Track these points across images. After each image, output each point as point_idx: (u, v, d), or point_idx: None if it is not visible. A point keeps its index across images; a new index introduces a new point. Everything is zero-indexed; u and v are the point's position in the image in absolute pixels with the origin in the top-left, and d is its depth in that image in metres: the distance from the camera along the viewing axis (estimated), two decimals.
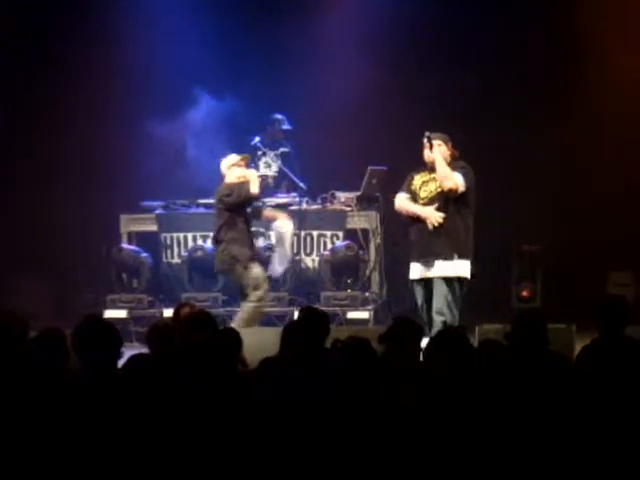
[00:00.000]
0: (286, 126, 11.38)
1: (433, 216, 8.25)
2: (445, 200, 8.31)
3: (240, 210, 9.37)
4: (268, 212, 10.19)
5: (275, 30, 11.62)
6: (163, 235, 11.20)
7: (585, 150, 11.62)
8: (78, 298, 11.53)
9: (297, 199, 11.06)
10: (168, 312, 9.73)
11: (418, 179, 8.49)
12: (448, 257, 8.23)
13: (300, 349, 5.47)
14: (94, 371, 4.68)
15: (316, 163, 11.23)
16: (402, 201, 8.49)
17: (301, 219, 10.92)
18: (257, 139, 11.41)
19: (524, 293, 11.31)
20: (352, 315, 10.33)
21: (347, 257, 10.68)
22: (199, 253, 10.89)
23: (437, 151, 8.34)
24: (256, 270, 9.31)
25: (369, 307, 10.43)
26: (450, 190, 8.24)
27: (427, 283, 8.32)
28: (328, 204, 11.09)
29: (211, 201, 11.19)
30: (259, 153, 11.41)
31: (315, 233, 11.03)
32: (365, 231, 10.98)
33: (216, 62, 11.43)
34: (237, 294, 10.73)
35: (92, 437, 4.19)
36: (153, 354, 5.37)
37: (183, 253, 11.05)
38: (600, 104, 11.44)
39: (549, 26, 11.61)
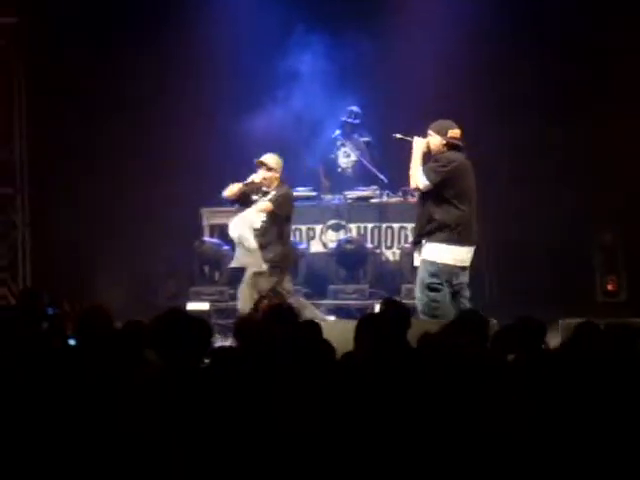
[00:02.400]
0: (357, 120, 11.40)
1: None
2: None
3: None
4: None
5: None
6: None
7: None
8: (161, 291, 11.65)
9: (378, 192, 11.04)
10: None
11: None
12: (416, 242, 8.40)
13: (377, 343, 5.37)
14: (178, 366, 4.65)
15: (397, 155, 11.16)
16: None
17: (382, 212, 10.91)
18: (338, 132, 11.46)
19: (609, 287, 11.11)
20: None
21: None
22: None
23: (417, 146, 8.31)
24: None
25: None
26: (415, 189, 8.47)
27: None
28: (409, 197, 11.05)
29: (306, 194, 11.23)
30: (338, 143, 11.44)
31: (396, 226, 11.00)
32: None
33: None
34: (316, 286, 10.80)
35: (173, 432, 4.20)
36: (240, 347, 5.35)
37: None
38: None
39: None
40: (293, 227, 11.05)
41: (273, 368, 4.58)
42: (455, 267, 8.19)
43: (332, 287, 10.77)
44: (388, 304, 6.56)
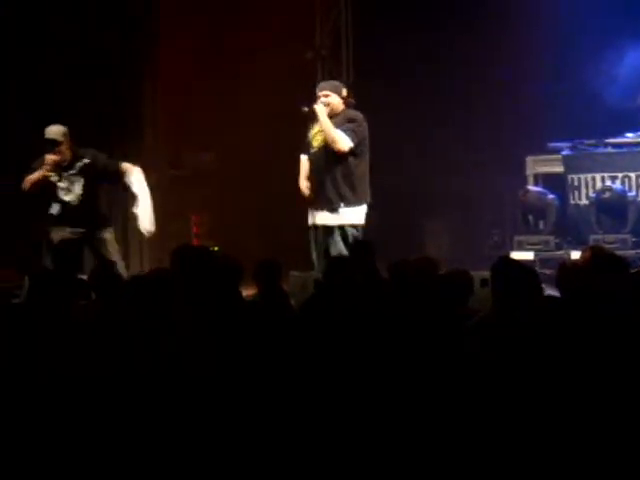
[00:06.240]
0: None
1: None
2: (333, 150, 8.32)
3: None
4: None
5: None
6: (570, 176, 11.03)
7: None
8: (484, 239, 11.65)
9: None
10: (575, 254, 9.61)
11: (315, 129, 8.49)
12: (337, 207, 8.30)
13: None
14: (512, 314, 4.64)
15: None
16: (302, 165, 8.57)
17: None
18: None
19: None
20: None
21: None
22: (607, 194, 10.63)
23: (322, 111, 8.29)
24: None
25: None
26: (339, 151, 8.25)
27: (321, 229, 8.37)
28: None
29: (620, 140, 10.91)
30: None
31: None
32: None
33: None
34: None
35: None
36: (562, 296, 5.28)
37: (591, 194, 10.83)
38: None
39: None
40: (621, 175, 10.76)
41: (596, 319, 4.49)
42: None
43: None
44: None
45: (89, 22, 11.31)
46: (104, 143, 9.82)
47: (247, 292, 6.34)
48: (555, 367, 4.19)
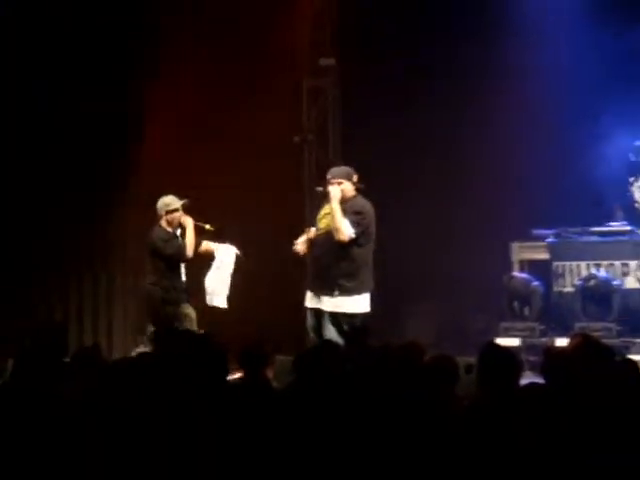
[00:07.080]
0: None
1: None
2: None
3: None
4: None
5: None
6: (555, 263, 11.07)
7: None
8: (470, 325, 11.62)
9: None
10: (560, 341, 9.60)
11: (324, 210, 8.58)
12: (332, 294, 8.28)
13: None
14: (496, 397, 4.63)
15: None
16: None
17: None
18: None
19: None
20: None
21: None
22: (592, 282, 10.68)
23: (336, 197, 8.31)
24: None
25: None
26: (339, 241, 8.26)
27: (317, 312, 8.37)
28: None
29: (605, 229, 10.96)
30: (631, 180, 11.06)
31: None
32: None
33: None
34: (630, 324, 10.44)
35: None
36: (547, 384, 5.27)
37: (576, 282, 10.86)
38: None
39: None
40: (605, 263, 10.78)
41: (581, 407, 4.47)
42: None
43: None
44: None
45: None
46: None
47: (234, 375, 6.27)
48: (538, 454, 4.17)
